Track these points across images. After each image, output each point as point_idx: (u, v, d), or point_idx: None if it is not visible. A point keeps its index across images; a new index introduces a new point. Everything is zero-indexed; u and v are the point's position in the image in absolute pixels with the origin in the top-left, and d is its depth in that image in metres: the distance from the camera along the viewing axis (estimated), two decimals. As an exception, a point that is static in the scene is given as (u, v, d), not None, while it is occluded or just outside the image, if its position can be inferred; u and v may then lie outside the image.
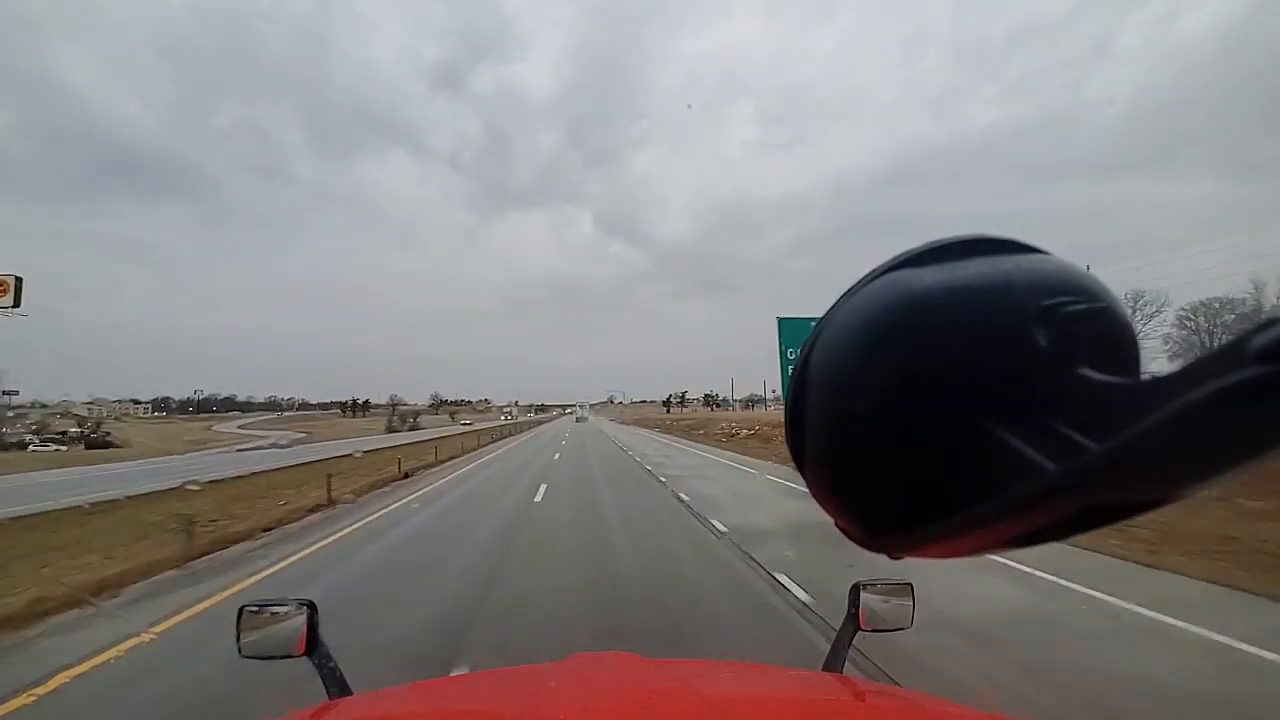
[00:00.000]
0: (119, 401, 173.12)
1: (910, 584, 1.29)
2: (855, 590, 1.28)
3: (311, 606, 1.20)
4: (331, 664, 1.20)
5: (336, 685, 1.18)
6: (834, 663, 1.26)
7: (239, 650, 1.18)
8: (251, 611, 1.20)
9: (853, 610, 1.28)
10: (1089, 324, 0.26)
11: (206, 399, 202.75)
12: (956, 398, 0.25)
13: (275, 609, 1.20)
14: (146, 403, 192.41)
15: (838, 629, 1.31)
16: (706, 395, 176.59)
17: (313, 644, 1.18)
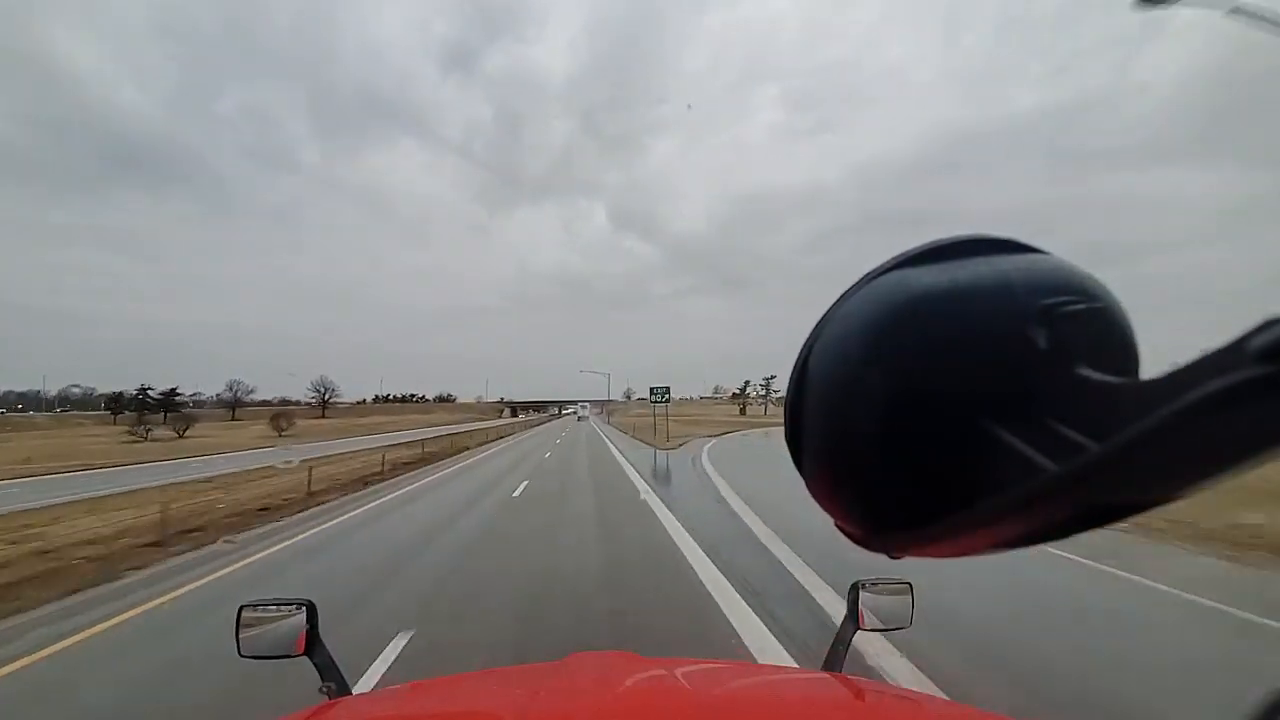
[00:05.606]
0: None
1: (910, 583, 1.29)
2: (855, 589, 1.28)
3: (310, 606, 1.20)
4: (331, 664, 1.20)
5: (336, 685, 1.18)
6: (834, 662, 1.26)
7: (238, 650, 1.18)
8: (250, 611, 1.20)
9: (852, 610, 1.27)
10: (1088, 324, 0.26)
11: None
12: (956, 398, 0.25)
13: (274, 608, 1.21)
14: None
15: (838, 628, 1.31)
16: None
17: (312, 644, 1.18)
